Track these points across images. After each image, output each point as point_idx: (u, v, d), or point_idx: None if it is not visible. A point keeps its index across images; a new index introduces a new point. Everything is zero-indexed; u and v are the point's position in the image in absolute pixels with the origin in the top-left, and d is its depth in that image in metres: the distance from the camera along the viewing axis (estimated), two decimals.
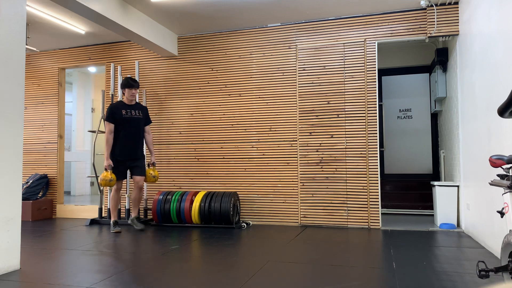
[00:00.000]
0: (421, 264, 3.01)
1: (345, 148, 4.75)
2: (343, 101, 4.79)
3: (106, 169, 4.40)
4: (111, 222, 4.58)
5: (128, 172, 4.97)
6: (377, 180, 4.65)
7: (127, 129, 4.51)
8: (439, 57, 5.15)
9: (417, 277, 2.67)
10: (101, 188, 5.32)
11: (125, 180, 5.34)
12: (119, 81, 5.32)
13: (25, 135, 6.10)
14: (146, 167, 4.72)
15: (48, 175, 5.94)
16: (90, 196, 8.06)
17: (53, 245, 3.80)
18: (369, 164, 4.67)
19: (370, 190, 4.66)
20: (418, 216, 5.56)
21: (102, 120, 5.42)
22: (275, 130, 5.03)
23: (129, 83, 4.54)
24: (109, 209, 5.32)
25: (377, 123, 4.68)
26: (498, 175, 2.13)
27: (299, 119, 4.93)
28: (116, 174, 4.48)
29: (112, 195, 4.61)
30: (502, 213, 2.13)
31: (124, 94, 4.58)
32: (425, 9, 4.60)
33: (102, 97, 5.43)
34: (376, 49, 4.72)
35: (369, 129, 4.69)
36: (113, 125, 4.49)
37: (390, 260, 3.12)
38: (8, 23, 2.92)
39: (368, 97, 4.71)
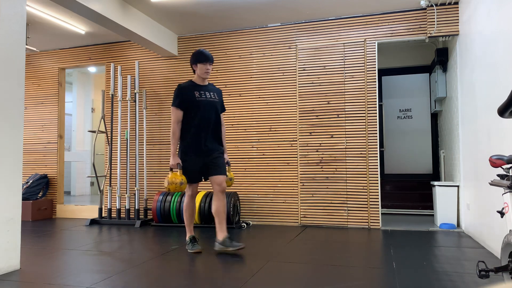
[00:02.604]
0: (421, 264, 3.01)
1: (345, 148, 4.75)
2: (343, 101, 4.79)
3: (172, 169, 3.38)
4: (187, 238, 3.52)
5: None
6: (377, 180, 4.65)
7: (202, 115, 3.42)
8: (439, 57, 5.15)
9: (417, 277, 2.67)
10: (101, 188, 5.31)
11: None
12: (119, 81, 5.32)
13: (25, 135, 6.10)
14: None
15: (48, 175, 5.94)
16: (90, 196, 8.06)
17: (53, 245, 3.80)
18: (369, 164, 4.67)
19: (370, 190, 4.66)
20: (418, 216, 5.56)
21: (102, 120, 5.42)
22: (275, 130, 5.03)
23: (204, 56, 3.45)
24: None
25: (377, 123, 4.68)
26: (498, 175, 2.13)
27: (299, 119, 4.93)
28: (188, 175, 3.41)
29: (186, 203, 3.51)
30: (502, 213, 2.13)
31: (195, 71, 3.53)
32: (425, 9, 4.60)
33: (102, 97, 5.43)
34: (376, 49, 4.72)
35: (369, 129, 4.69)
36: (182, 112, 3.42)
37: (390, 260, 3.12)
38: (8, 23, 2.92)
39: (368, 97, 4.71)
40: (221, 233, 3.38)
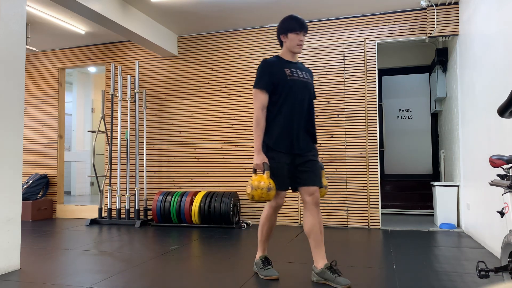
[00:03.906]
0: (421, 264, 3.01)
1: (345, 148, 4.75)
2: (343, 101, 4.79)
3: (255, 171, 2.59)
4: (258, 258, 2.74)
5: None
6: (377, 180, 4.65)
7: (294, 100, 2.59)
8: (439, 57, 5.15)
9: (417, 277, 2.67)
10: (101, 188, 5.31)
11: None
12: (119, 81, 5.32)
13: (25, 135, 6.10)
14: None
15: (48, 175, 5.94)
16: (90, 196, 8.06)
17: (53, 245, 3.80)
18: (369, 164, 4.67)
19: (370, 190, 4.66)
20: (418, 216, 5.56)
21: (102, 120, 5.42)
22: None
23: (298, 22, 2.60)
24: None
25: (377, 123, 4.68)
26: (498, 175, 2.13)
27: None
28: (274, 179, 2.53)
29: (266, 215, 2.67)
30: (502, 213, 2.13)
31: (282, 44, 2.70)
32: (425, 9, 4.60)
33: (102, 97, 5.43)
34: (376, 49, 4.72)
35: (369, 129, 4.69)
36: (267, 96, 2.60)
37: (390, 260, 3.12)
38: (8, 23, 2.92)
39: (368, 97, 4.71)
40: (321, 260, 2.52)
